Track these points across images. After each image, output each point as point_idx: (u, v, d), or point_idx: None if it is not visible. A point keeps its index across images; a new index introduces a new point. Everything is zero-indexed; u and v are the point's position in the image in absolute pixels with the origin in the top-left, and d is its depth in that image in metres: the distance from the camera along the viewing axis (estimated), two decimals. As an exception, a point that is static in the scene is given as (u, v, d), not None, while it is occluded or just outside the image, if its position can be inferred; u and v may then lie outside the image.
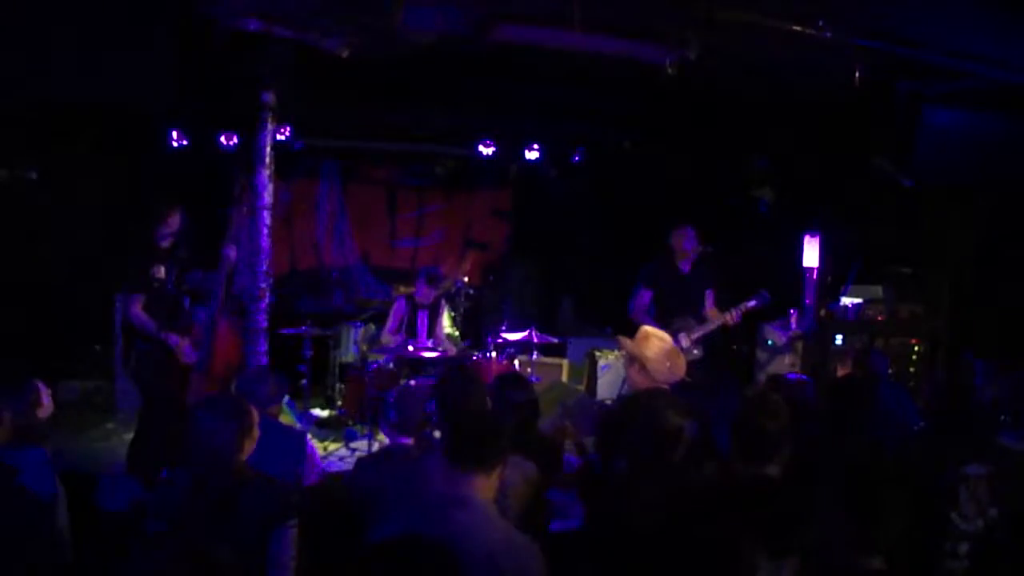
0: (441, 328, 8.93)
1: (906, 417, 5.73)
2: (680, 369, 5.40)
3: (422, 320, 8.67)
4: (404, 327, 8.63)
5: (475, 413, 4.26)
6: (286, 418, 8.09)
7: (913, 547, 3.92)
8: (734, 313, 7.50)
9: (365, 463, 4.79)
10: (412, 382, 7.60)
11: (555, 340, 9.37)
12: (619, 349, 6.55)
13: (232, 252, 6.60)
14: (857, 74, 6.07)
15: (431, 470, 3.84)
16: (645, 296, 7.70)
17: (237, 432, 3.68)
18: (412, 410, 4.90)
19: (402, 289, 10.13)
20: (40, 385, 4.37)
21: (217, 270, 6.59)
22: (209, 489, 3.58)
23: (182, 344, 6.40)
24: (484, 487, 3.42)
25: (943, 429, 4.86)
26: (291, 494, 3.80)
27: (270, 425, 4.70)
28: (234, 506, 3.52)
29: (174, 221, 6.57)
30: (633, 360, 5.36)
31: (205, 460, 3.68)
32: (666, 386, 5.23)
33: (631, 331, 5.65)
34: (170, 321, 6.44)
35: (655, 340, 5.44)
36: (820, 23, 5.68)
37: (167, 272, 6.53)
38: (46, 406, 4.39)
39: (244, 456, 3.73)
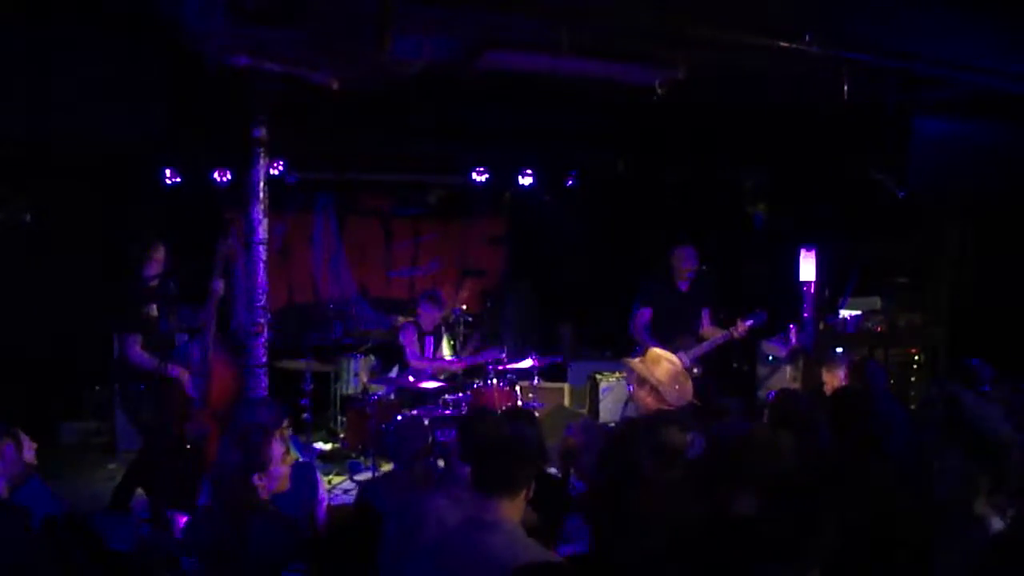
0: (442, 354, 8.91)
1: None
2: (688, 392, 5.43)
3: (428, 347, 8.64)
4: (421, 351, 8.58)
5: (499, 438, 4.25)
6: (290, 453, 8.05)
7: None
8: (736, 331, 7.50)
9: (370, 486, 4.77)
10: (414, 412, 7.57)
11: (558, 360, 9.36)
12: (624, 371, 6.56)
13: (219, 285, 6.58)
14: (845, 87, 6.10)
15: (452, 496, 3.86)
16: (645, 314, 7.71)
17: (243, 460, 3.68)
18: (410, 441, 4.90)
19: (401, 319, 10.10)
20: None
21: (205, 304, 6.58)
22: (219, 519, 3.59)
23: (183, 375, 6.38)
24: (511, 510, 3.44)
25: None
26: (301, 533, 3.80)
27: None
28: (244, 539, 3.52)
29: (159, 259, 6.58)
30: (643, 382, 5.37)
31: (215, 490, 3.73)
32: (674, 408, 5.25)
33: (632, 351, 5.65)
34: (167, 357, 6.43)
35: (665, 362, 5.46)
36: (807, 38, 5.71)
37: (159, 310, 6.53)
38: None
39: (259, 490, 3.71)
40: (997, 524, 3.51)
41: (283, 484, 3.83)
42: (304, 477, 4.80)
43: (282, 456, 3.82)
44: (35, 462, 4.43)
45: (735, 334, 7.52)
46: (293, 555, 3.65)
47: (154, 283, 6.55)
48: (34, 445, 4.46)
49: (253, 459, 3.71)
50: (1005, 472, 3.65)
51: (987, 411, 5.19)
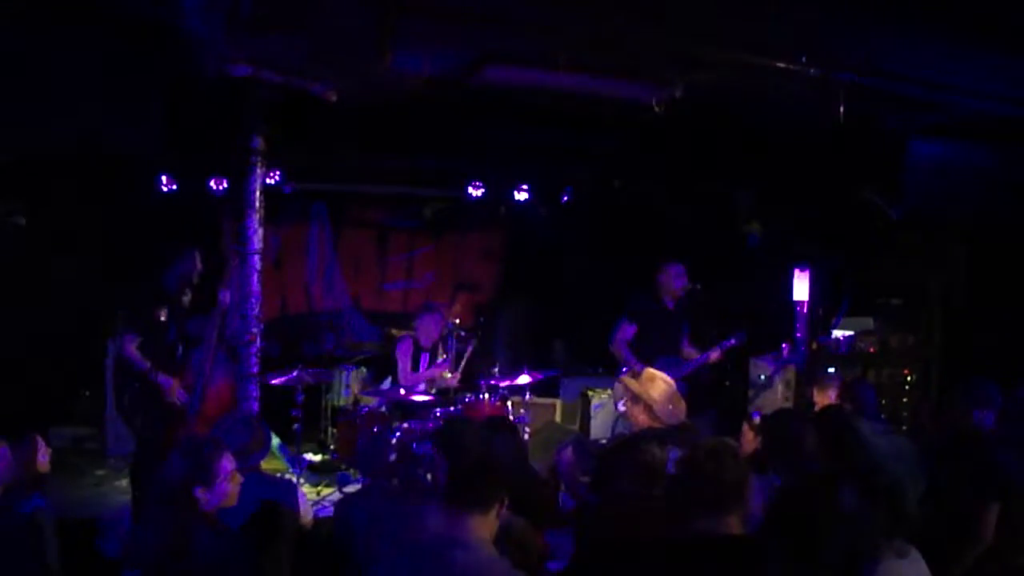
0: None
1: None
2: (681, 412, 5.47)
3: (423, 362, 8.61)
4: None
5: (473, 454, 4.25)
6: (279, 463, 8.05)
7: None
8: (716, 352, 7.55)
9: (348, 501, 4.76)
10: (405, 425, 7.55)
11: (552, 373, 9.33)
12: (618, 388, 6.57)
13: (227, 296, 6.60)
14: (841, 108, 6.12)
15: (427, 511, 3.84)
16: (628, 330, 7.73)
17: (188, 471, 3.63)
18: (378, 455, 4.89)
19: (395, 332, 10.08)
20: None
21: (211, 314, 6.58)
22: (162, 529, 3.54)
23: (175, 386, 6.39)
24: (481, 527, 3.42)
25: None
26: (246, 549, 3.77)
27: (257, 479, 4.64)
28: (185, 551, 3.47)
29: (188, 265, 6.58)
30: (638, 400, 5.40)
31: (157, 499, 3.69)
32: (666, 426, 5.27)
33: (614, 363, 5.67)
34: (162, 364, 6.44)
35: (660, 382, 5.50)
36: (803, 59, 5.74)
37: (169, 316, 6.53)
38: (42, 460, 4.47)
39: (200, 503, 3.65)
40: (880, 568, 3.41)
41: (230, 500, 3.77)
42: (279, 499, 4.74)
43: (231, 473, 3.77)
44: (47, 468, 4.46)
45: (712, 358, 7.59)
46: (236, 570, 3.61)
47: (173, 289, 6.57)
48: (48, 450, 4.54)
49: (198, 472, 3.65)
50: (902, 514, 3.56)
51: (887, 445, 5.15)
